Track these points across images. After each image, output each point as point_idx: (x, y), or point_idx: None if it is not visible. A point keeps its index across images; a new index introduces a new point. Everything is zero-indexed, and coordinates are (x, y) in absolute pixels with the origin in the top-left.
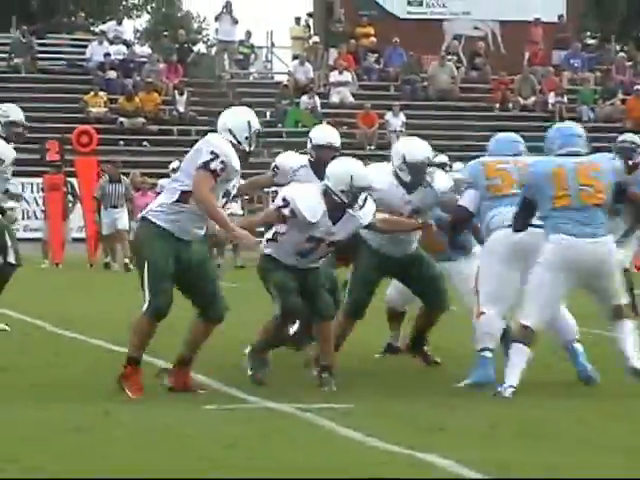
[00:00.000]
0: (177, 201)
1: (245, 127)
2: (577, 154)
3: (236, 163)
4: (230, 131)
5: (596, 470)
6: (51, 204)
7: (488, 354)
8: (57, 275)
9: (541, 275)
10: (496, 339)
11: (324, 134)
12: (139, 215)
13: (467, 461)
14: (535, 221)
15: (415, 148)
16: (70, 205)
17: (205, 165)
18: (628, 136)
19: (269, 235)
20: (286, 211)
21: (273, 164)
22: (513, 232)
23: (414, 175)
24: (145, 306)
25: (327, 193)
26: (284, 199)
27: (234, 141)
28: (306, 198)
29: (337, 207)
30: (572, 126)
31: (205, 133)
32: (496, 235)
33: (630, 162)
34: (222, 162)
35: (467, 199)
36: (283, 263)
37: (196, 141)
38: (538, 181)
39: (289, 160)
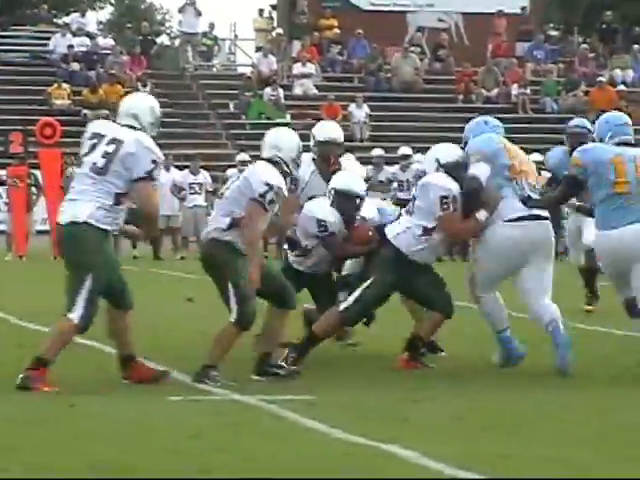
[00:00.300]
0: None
1: (149, 112)
2: (629, 143)
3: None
4: (135, 116)
5: (561, 462)
6: (14, 196)
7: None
8: (21, 267)
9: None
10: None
11: (326, 130)
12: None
13: (431, 453)
14: (542, 213)
15: (448, 149)
16: (34, 197)
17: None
18: (579, 121)
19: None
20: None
21: (292, 179)
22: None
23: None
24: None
25: (277, 163)
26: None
27: (138, 126)
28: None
29: (285, 176)
30: (622, 115)
31: (168, 124)
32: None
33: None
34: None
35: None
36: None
37: (160, 133)
38: (598, 166)
39: (300, 170)
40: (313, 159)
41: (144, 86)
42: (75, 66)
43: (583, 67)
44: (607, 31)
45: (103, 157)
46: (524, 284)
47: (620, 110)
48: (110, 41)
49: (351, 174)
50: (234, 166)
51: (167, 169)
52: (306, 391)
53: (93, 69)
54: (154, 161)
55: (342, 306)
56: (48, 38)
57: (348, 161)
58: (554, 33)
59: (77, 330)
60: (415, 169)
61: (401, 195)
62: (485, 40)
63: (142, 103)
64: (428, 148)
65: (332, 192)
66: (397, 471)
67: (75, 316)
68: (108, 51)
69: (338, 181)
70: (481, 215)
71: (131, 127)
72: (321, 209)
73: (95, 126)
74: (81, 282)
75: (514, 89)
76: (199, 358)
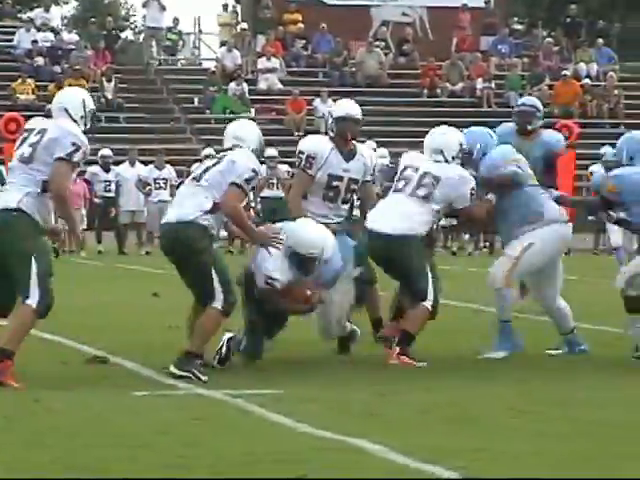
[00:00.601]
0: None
1: (80, 106)
2: None
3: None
4: (66, 110)
5: (527, 456)
6: None
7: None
8: None
9: None
10: None
11: (343, 106)
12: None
13: (398, 447)
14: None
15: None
16: None
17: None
18: (528, 99)
19: None
20: (255, 182)
21: (304, 155)
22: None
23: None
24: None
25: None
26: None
27: (69, 119)
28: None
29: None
30: None
31: (133, 119)
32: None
33: (529, 127)
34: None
35: None
36: None
37: (124, 128)
38: (634, 187)
39: (317, 146)
40: (330, 137)
41: (109, 81)
42: (39, 61)
43: (547, 61)
44: (571, 25)
45: (29, 146)
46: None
47: (584, 104)
48: (74, 36)
49: (313, 235)
50: (199, 160)
51: (132, 164)
52: (272, 385)
53: (58, 64)
54: (74, 144)
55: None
56: (12, 33)
57: (364, 146)
58: (518, 27)
59: (37, 315)
60: (380, 163)
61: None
62: (450, 34)
63: (72, 96)
64: (393, 143)
65: (290, 250)
66: (365, 465)
67: (33, 301)
68: (72, 46)
69: (298, 243)
70: (491, 196)
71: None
72: (273, 264)
73: (29, 123)
74: (27, 267)
75: (479, 83)
76: (165, 353)
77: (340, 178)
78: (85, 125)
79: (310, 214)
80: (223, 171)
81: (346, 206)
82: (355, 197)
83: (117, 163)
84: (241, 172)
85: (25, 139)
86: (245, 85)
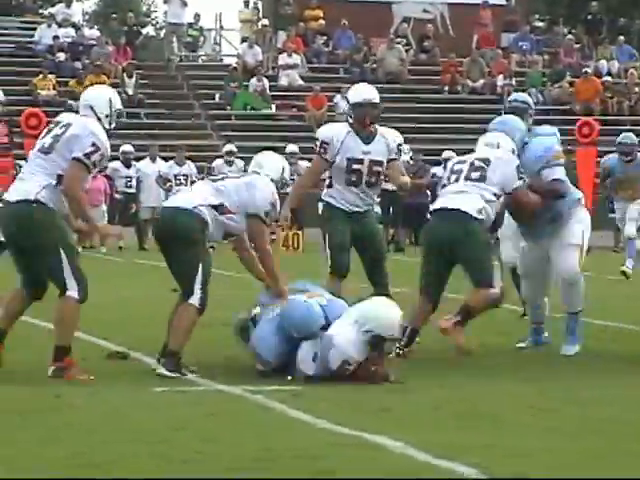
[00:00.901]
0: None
1: (106, 104)
2: None
3: None
4: (91, 107)
5: (539, 453)
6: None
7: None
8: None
9: None
10: None
11: (360, 91)
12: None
13: (415, 442)
14: None
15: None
16: None
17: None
18: (519, 95)
19: None
20: (273, 213)
21: (319, 142)
22: None
23: None
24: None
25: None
26: (271, 203)
27: (94, 118)
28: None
29: None
30: None
31: (154, 115)
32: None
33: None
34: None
35: None
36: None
37: (145, 124)
38: None
39: (332, 131)
40: (350, 124)
41: (130, 77)
42: (61, 57)
43: (568, 58)
44: (592, 22)
45: (51, 138)
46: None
47: (604, 101)
48: (95, 32)
49: (393, 316)
50: (220, 157)
51: (153, 160)
52: (290, 382)
53: (78, 60)
54: (94, 144)
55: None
56: (34, 29)
57: (386, 128)
58: (539, 24)
59: (79, 303)
60: (401, 159)
61: (387, 186)
62: (470, 31)
63: (99, 95)
64: (414, 139)
65: (371, 334)
66: (384, 462)
67: (73, 292)
68: (93, 42)
69: (382, 326)
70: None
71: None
72: (354, 349)
73: (59, 117)
74: (57, 258)
75: (499, 80)
76: (188, 349)
77: (360, 161)
78: (110, 124)
79: (337, 202)
80: (239, 189)
81: (373, 190)
82: (382, 179)
83: (138, 159)
84: (260, 204)
85: (50, 130)
86: (266, 81)
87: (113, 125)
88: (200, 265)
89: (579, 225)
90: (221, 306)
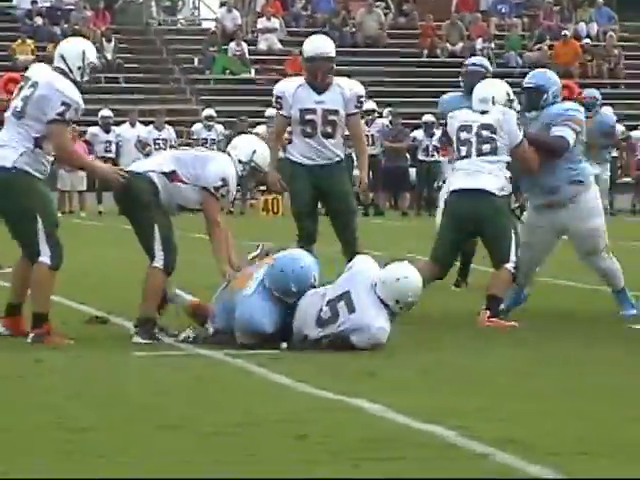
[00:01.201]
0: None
1: (79, 56)
2: None
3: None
4: (63, 58)
5: (523, 415)
6: None
7: None
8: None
9: None
10: None
11: (313, 45)
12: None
13: (398, 406)
14: None
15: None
16: None
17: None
18: (477, 59)
19: None
20: (224, 191)
21: (274, 97)
22: None
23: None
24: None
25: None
26: (223, 179)
27: (66, 69)
28: (234, 177)
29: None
30: None
31: (133, 80)
32: None
33: None
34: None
35: None
36: None
37: (126, 89)
38: None
39: (284, 86)
40: (305, 79)
41: (108, 41)
42: (39, 21)
43: (547, 21)
44: None
45: (22, 100)
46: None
47: (584, 64)
48: None
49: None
50: (199, 121)
51: (132, 125)
52: (272, 345)
53: (57, 25)
54: (64, 103)
55: (511, 265)
56: None
57: (345, 79)
58: None
59: (53, 270)
60: (380, 123)
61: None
62: None
63: (73, 46)
64: (393, 103)
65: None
66: (364, 425)
67: (45, 258)
68: (72, 6)
69: (413, 291)
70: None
71: (60, 70)
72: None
73: (29, 71)
74: (33, 224)
75: (478, 43)
76: (166, 313)
77: (313, 111)
78: (82, 77)
79: (296, 156)
80: (196, 161)
81: (332, 141)
82: (340, 130)
83: (117, 124)
84: (212, 181)
85: (21, 89)
86: (245, 45)
87: (86, 78)
88: (156, 226)
89: (598, 207)
90: (200, 270)
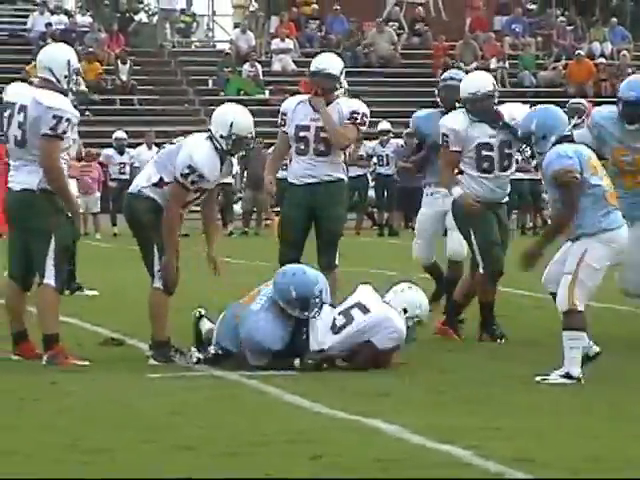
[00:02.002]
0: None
1: (64, 66)
2: None
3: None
4: (50, 70)
5: (541, 434)
6: None
7: None
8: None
9: None
10: None
11: (316, 60)
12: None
13: (413, 426)
14: None
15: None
16: None
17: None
18: (456, 73)
19: None
20: (194, 177)
21: (279, 114)
22: None
23: None
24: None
25: (211, 139)
26: (189, 166)
27: (53, 79)
28: (204, 158)
29: (218, 153)
30: None
31: (147, 102)
32: None
33: (457, 103)
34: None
35: None
36: None
37: (139, 111)
38: None
39: (288, 103)
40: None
41: (123, 63)
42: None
43: (561, 40)
44: (585, 4)
45: (18, 128)
46: None
47: (598, 83)
48: (88, 19)
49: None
50: None
51: (149, 147)
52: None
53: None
54: (55, 116)
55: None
56: (26, 16)
57: (347, 98)
58: (532, 6)
59: (58, 291)
60: (395, 144)
61: (381, 170)
62: (463, 14)
63: (57, 56)
64: (407, 123)
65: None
66: (380, 445)
67: (49, 280)
68: (86, 29)
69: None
70: None
71: (46, 81)
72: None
73: (8, 94)
74: (46, 245)
75: (492, 63)
76: (181, 334)
77: (307, 127)
78: (68, 84)
79: (290, 176)
80: (171, 156)
81: (324, 159)
82: (337, 151)
83: (131, 145)
84: (177, 166)
85: (11, 117)
86: (259, 66)
87: (72, 85)
88: (155, 247)
89: None
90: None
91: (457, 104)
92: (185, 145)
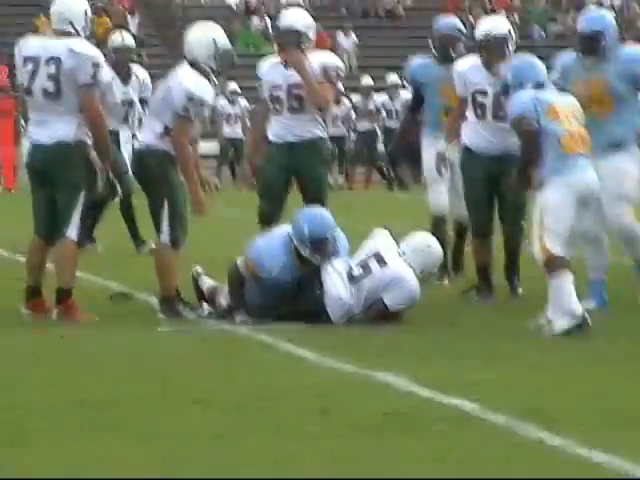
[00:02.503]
0: None
1: (83, 17)
2: None
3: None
4: (71, 23)
5: (551, 388)
6: (1, 129)
7: None
8: (10, 200)
9: None
10: None
11: (282, 17)
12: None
13: (421, 379)
14: None
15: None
16: (22, 130)
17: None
18: (449, 21)
19: None
20: (196, 106)
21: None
22: None
23: None
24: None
25: (192, 65)
26: (189, 98)
27: (72, 30)
28: (198, 85)
29: (205, 77)
30: None
31: (157, 56)
32: None
33: (452, 54)
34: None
35: None
36: None
37: (147, 64)
38: None
39: (260, 67)
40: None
41: (131, 14)
42: None
43: None
44: None
45: (49, 80)
46: None
47: None
48: None
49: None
50: (223, 96)
51: None
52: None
53: None
54: (94, 64)
55: None
56: None
57: (322, 53)
58: None
59: (77, 245)
60: (404, 97)
61: (390, 124)
62: None
63: (76, 7)
64: None
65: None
66: (388, 398)
67: (73, 234)
68: None
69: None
70: None
71: (65, 33)
72: None
73: (26, 49)
74: (75, 199)
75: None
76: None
77: (279, 87)
78: (85, 33)
79: (271, 135)
80: (166, 99)
81: (299, 117)
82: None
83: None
84: (175, 106)
85: (35, 72)
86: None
87: (88, 33)
88: (166, 202)
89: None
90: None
91: (452, 53)
92: (173, 84)
